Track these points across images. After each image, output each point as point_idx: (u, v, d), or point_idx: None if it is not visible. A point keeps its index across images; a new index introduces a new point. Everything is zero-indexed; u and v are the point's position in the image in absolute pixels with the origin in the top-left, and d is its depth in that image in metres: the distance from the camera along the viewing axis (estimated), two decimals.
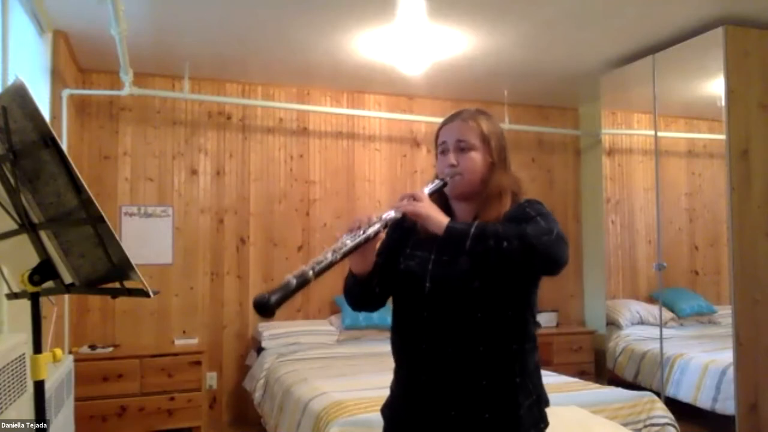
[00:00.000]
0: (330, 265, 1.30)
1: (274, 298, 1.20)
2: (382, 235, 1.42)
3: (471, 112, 1.53)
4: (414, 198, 1.40)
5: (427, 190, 1.46)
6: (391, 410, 1.55)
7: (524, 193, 1.52)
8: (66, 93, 3.83)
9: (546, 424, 1.46)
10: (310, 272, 1.26)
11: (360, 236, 1.35)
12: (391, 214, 1.39)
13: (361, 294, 1.53)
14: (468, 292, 1.39)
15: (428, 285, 1.44)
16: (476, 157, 1.47)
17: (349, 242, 1.34)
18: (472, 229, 1.30)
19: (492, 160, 1.48)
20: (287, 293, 1.23)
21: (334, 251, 1.32)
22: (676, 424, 3.08)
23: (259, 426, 4.02)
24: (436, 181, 1.49)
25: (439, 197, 1.50)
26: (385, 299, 1.56)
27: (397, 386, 1.53)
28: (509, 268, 1.31)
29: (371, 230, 1.36)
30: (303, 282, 1.25)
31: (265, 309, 1.20)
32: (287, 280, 1.24)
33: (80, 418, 3.57)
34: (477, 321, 1.39)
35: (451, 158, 1.48)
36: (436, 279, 1.43)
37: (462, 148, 1.48)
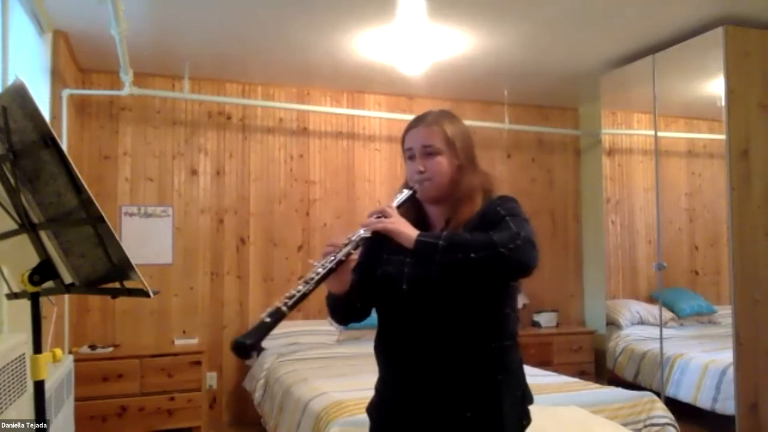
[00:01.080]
0: (303, 297, 1.33)
1: (249, 341, 1.25)
2: (355, 256, 1.45)
3: (435, 115, 1.54)
4: (383, 215, 1.42)
5: (395, 202, 1.49)
6: (376, 411, 1.57)
7: (497, 190, 1.55)
8: (66, 93, 3.83)
9: (528, 420, 1.48)
10: (284, 308, 1.30)
11: (331, 262, 1.38)
12: (360, 234, 1.42)
13: (344, 311, 1.57)
14: (443, 293, 1.41)
15: (405, 287, 1.46)
16: (443, 161, 1.49)
17: (321, 270, 1.37)
18: (441, 242, 1.33)
19: (459, 162, 1.50)
20: (262, 333, 1.27)
21: (306, 282, 1.35)
22: (676, 424, 3.08)
23: (259, 426, 4.02)
24: (405, 192, 1.52)
25: (413, 202, 1.53)
26: (370, 309, 1.59)
27: (381, 387, 1.55)
28: (479, 276, 1.34)
29: (341, 254, 1.40)
30: (277, 319, 1.29)
31: (244, 352, 1.25)
32: (261, 320, 1.28)
33: (80, 418, 3.56)
34: (455, 321, 1.41)
35: (419, 164, 1.50)
36: (412, 280, 1.45)
37: (428, 153, 1.49)
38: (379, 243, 1.52)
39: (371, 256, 1.54)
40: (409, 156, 1.54)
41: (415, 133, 1.53)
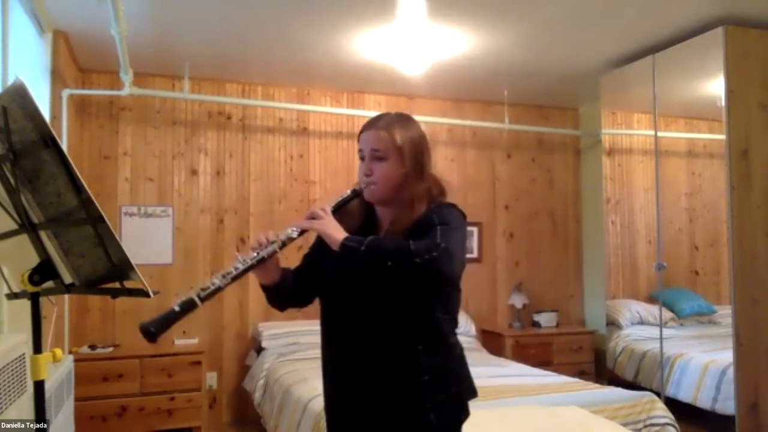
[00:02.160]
0: (217, 290, 1.37)
1: (154, 329, 1.28)
2: (279, 255, 1.50)
3: (388, 119, 1.56)
4: (314, 216, 1.47)
5: (335, 203, 1.54)
6: (327, 412, 1.62)
7: (446, 195, 1.58)
8: (66, 93, 3.83)
9: (467, 414, 1.53)
10: (197, 298, 1.33)
11: (252, 259, 1.43)
12: (288, 233, 1.47)
13: (276, 299, 1.63)
14: (365, 296, 1.47)
15: (329, 285, 1.55)
16: (389, 167, 1.52)
17: (240, 266, 1.41)
18: (362, 248, 1.37)
19: (405, 170, 1.52)
20: (169, 322, 1.30)
21: (224, 276, 1.39)
22: (676, 424, 3.08)
23: (259, 426, 4.02)
24: (347, 193, 1.57)
25: (364, 201, 1.58)
26: (310, 297, 1.65)
27: (325, 390, 1.61)
28: (395, 283, 1.39)
29: (265, 252, 1.45)
30: (188, 308, 1.31)
31: (148, 336, 1.27)
32: (171, 308, 1.31)
33: (80, 418, 3.56)
34: (376, 324, 1.46)
35: (366, 167, 1.54)
36: (336, 281, 1.53)
37: (376, 157, 1.53)
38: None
39: (322, 247, 1.58)
40: (361, 156, 1.57)
41: (367, 136, 1.56)
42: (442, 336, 1.49)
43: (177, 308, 1.31)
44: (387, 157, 1.51)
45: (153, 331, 1.27)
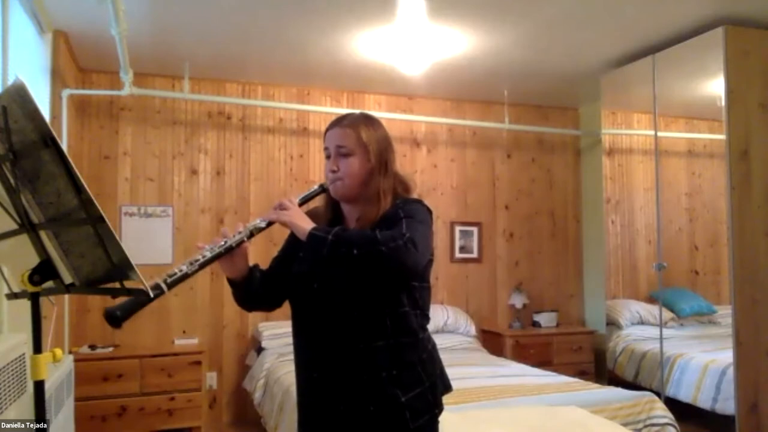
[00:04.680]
0: (184, 277, 1.37)
1: (120, 313, 1.27)
2: (247, 245, 1.52)
3: (353, 118, 1.61)
4: (281, 207, 1.49)
5: (302, 196, 1.56)
6: (298, 409, 1.62)
7: (412, 191, 1.61)
8: (66, 93, 3.83)
9: (440, 409, 1.54)
10: (163, 285, 1.32)
11: (220, 247, 1.44)
12: (256, 223, 1.49)
13: (242, 297, 1.63)
14: (331, 291, 1.48)
15: (294, 282, 1.56)
16: (355, 163, 1.54)
17: (208, 254, 1.42)
18: (329, 237, 1.38)
19: (371, 165, 1.55)
20: (135, 307, 1.29)
21: (191, 263, 1.39)
22: (676, 424, 3.08)
23: (259, 426, 4.02)
24: (314, 187, 1.59)
25: (330, 199, 1.61)
26: (279, 300, 1.66)
27: (297, 386, 1.61)
28: (361, 273, 1.39)
29: (233, 240, 1.46)
30: (155, 295, 1.29)
31: (114, 321, 1.27)
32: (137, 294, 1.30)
33: (80, 418, 3.56)
34: (350, 319, 1.47)
35: (332, 164, 1.56)
36: (299, 278, 1.55)
37: (342, 154, 1.56)
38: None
39: (291, 251, 1.59)
40: (327, 155, 1.60)
41: (332, 134, 1.59)
42: (411, 331, 1.50)
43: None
44: (353, 153, 1.54)
45: (119, 315, 1.27)
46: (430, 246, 1.49)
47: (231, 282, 1.60)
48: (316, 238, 1.40)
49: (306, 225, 1.44)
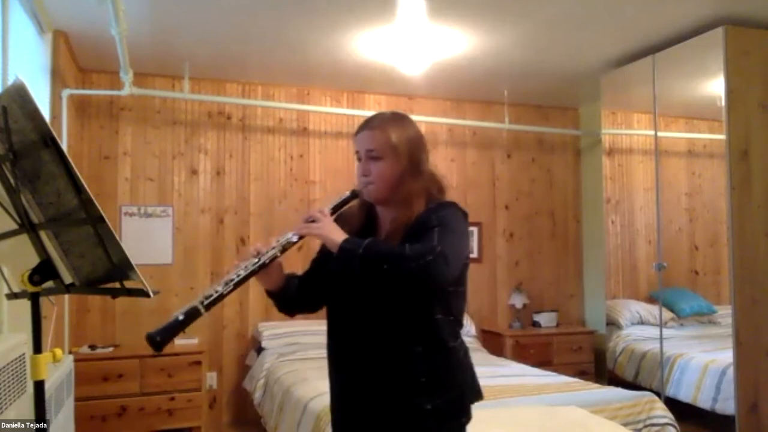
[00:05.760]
0: (221, 298, 1.38)
1: (159, 338, 1.30)
2: (281, 259, 1.52)
3: (382, 119, 1.57)
4: (313, 219, 1.48)
5: (333, 205, 1.55)
6: (331, 411, 1.63)
7: (445, 193, 1.59)
8: (66, 93, 3.83)
9: (468, 417, 1.52)
10: (200, 307, 1.35)
11: (254, 265, 1.45)
12: (288, 237, 1.49)
13: (283, 305, 1.65)
14: (364, 298, 1.48)
15: (330, 286, 1.57)
16: (385, 166, 1.52)
17: (242, 272, 1.43)
18: (360, 250, 1.37)
19: (402, 168, 1.52)
20: (175, 331, 1.33)
21: (226, 283, 1.40)
22: (676, 424, 3.08)
23: (259, 426, 4.02)
24: (345, 194, 1.57)
25: (364, 201, 1.59)
26: (318, 302, 1.67)
27: (330, 388, 1.63)
28: (391, 286, 1.39)
29: (266, 257, 1.47)
30: (192, 317, 1.34)
31: (154, 345, 1.31)
32: (175, 317, 1.33)
33: (80, 418, 3.56)
34: (380, 324, 1.47)
35: (363, 168, 1.55)
36: (337, 283, 1.54)
37: (372, 157, 1.53)
38: None
39: (328, 252, 1.58)
40: (357, 158, 1.58)
41: (362, 137, 1.56)
42: (442, 338, 1.48)
43: (181, 317, 1.32)
44: (383, 156, 1.51)
45: (159, 340, 1.30)
46: (466, 250, 1.48)
47: (269, 293, 1.61)
48: (346, 251, 1.39)
49: (337, 237, 1.42)
